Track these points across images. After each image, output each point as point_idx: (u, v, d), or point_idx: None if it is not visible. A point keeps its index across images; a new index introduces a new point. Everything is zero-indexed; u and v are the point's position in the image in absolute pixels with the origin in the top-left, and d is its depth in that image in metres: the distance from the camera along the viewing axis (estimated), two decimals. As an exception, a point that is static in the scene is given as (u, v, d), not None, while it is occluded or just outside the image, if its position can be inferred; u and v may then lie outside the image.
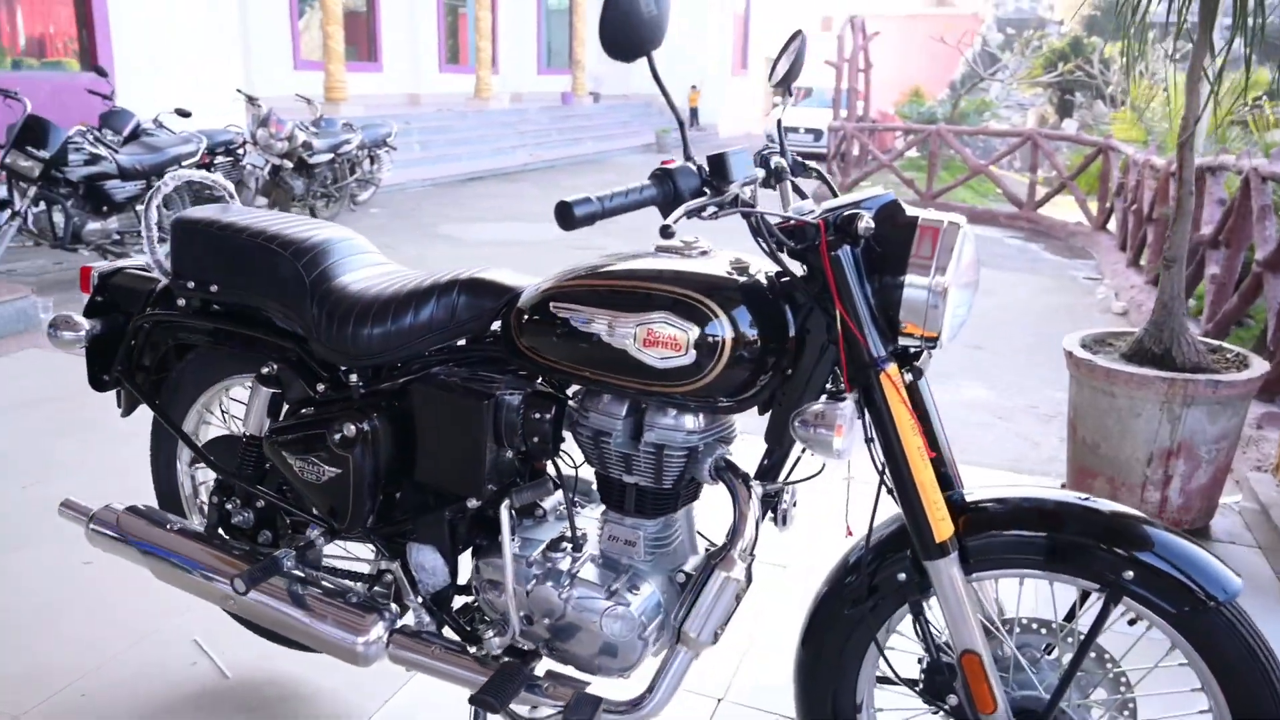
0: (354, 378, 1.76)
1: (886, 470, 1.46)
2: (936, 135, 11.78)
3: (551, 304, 1.57)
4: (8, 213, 5.16)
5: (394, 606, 1.82)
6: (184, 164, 6.17)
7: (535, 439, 1.66)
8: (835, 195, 1.63)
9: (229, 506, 1.96)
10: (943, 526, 1.45)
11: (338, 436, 1.69)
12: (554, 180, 13.26)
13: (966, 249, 1.43)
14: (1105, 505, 1.48)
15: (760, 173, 1.42)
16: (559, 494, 1.87)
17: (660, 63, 1.35)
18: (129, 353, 2.02)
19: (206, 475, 2.18)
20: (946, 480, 1.59)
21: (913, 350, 1.50)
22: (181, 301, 1.94)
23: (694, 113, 20.85)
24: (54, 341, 1.96)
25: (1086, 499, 1.50)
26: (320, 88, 12.62)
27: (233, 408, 2.11)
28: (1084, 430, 3.04)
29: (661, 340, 1.47)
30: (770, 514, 1.71)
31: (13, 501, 2.94)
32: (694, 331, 1.45)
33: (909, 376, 1.48)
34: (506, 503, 1.67)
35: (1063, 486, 3.25)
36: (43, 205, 5.37)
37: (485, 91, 16.37)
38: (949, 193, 11.70)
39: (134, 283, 2.03)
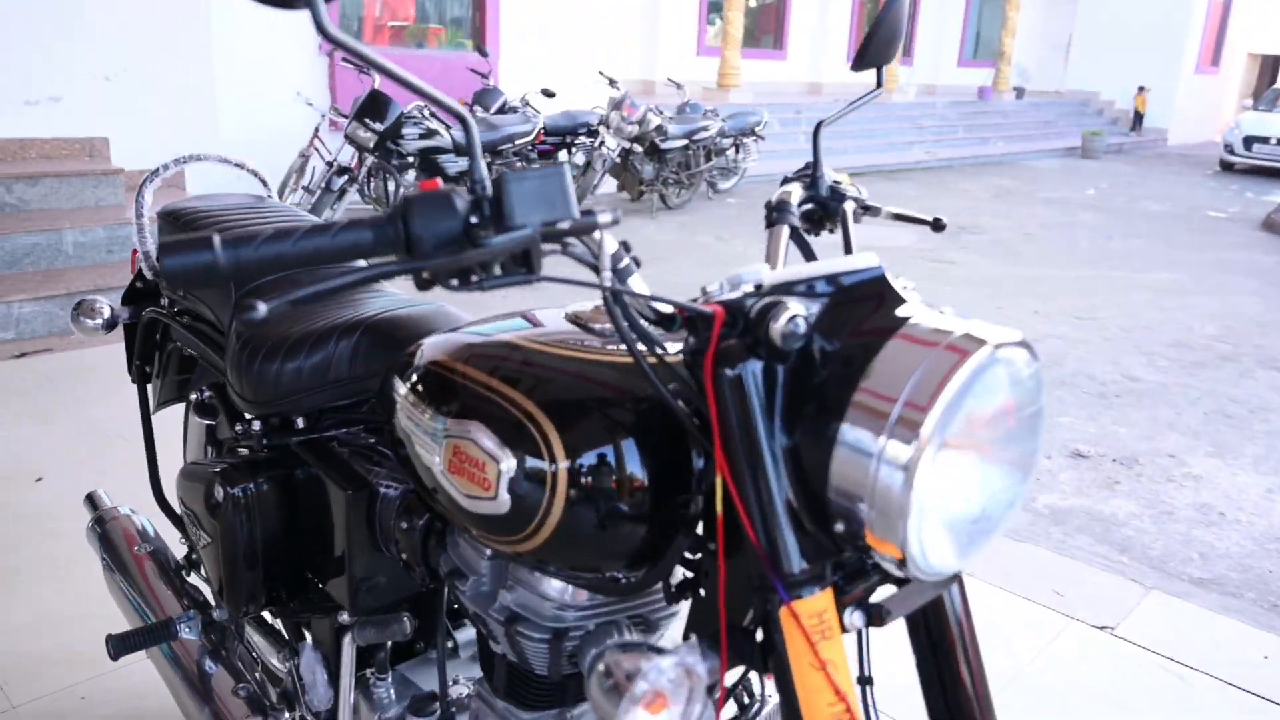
0: (256, 425, 1.41)
1: None
2: None
3: (395, 378, 1.08)
4: (345, 177, 5.58)
5: (286, 716, 1.45)
6: (518, 143, 6.31)
7: (404, 554, 1.19)
8: (850, 252, 0.96)
9: (183, 542, 1.72)
10: None
11: (208, 499, 1.35)
12: (942, 181, 12.15)
13: (994, 390, 0.73)
14: None
15: (606, 217, 0.80)
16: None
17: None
18: (143, 348, 1.84)
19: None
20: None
21: (877, 570, 0.81)
22: (164, 301, 1.71)
23: (1138, 117, 18.17)
24: (75, 327, 1.83)
25: None
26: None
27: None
28: None
29: (467, 469, 0.93)
30: None
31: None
32: (508, 463, 0.89)
33: (856, 620, 0.79)
34: (349, 636, 1.22)
35: None
36: (382, 175, 5.75)
37: (890, 83, 15.47)
38: None
39: (169, 271, 1.85)
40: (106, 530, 1.81)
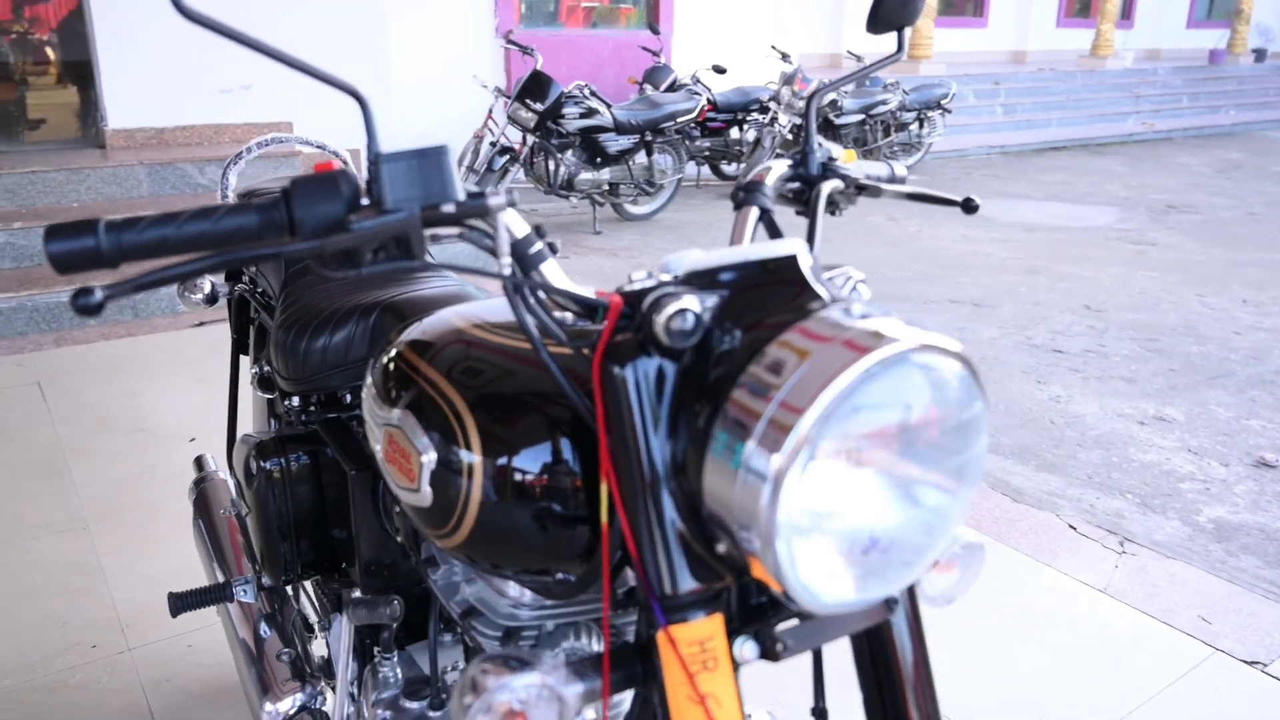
0: (295, 401, 1.44)
1: None
2: None
3: (370, 362, 1.07)
4: (508, 156, 5.73)
5: (323, 684, 1.49)
6: (679, 121, 6.26)
7: (400, 536, 1.18)
8: (813, 236, 0.86)
9: (256, 507, 1.79)
10: None
11: (245, 470, 1.40)
12: (1157, 155, 11.13)
13: (903, 395, 0.64)
14: None
15: (498, 200, 0.74)
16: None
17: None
18: (237, 321, 1.93)
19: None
20: None
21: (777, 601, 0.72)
22: (245, 279, 1.79)
23: None
24: (180, 300, 1.95)
25: None
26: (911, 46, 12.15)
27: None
28: None
29: (397, 458, 0.90)
30: None
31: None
32: (429, 455, 0.85)
33: (748, 652, 0.70)
34: (345, 615, 1.23)
35: None
36: (544, 155, 5.86)
37: (1104, 49, 14.29)
38: None
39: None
40: (202, 491, 1.92)
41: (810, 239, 0.86)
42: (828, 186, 0.92)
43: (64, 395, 3.42)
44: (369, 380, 1.00)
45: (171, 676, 2.01)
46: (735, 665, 0.69)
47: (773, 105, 7.62)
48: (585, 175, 6.02)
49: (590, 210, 6.52)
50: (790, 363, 0.63)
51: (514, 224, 0.76)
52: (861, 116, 7.99)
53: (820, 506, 0.62)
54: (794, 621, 0.74)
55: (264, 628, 1.58)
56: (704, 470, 0.65)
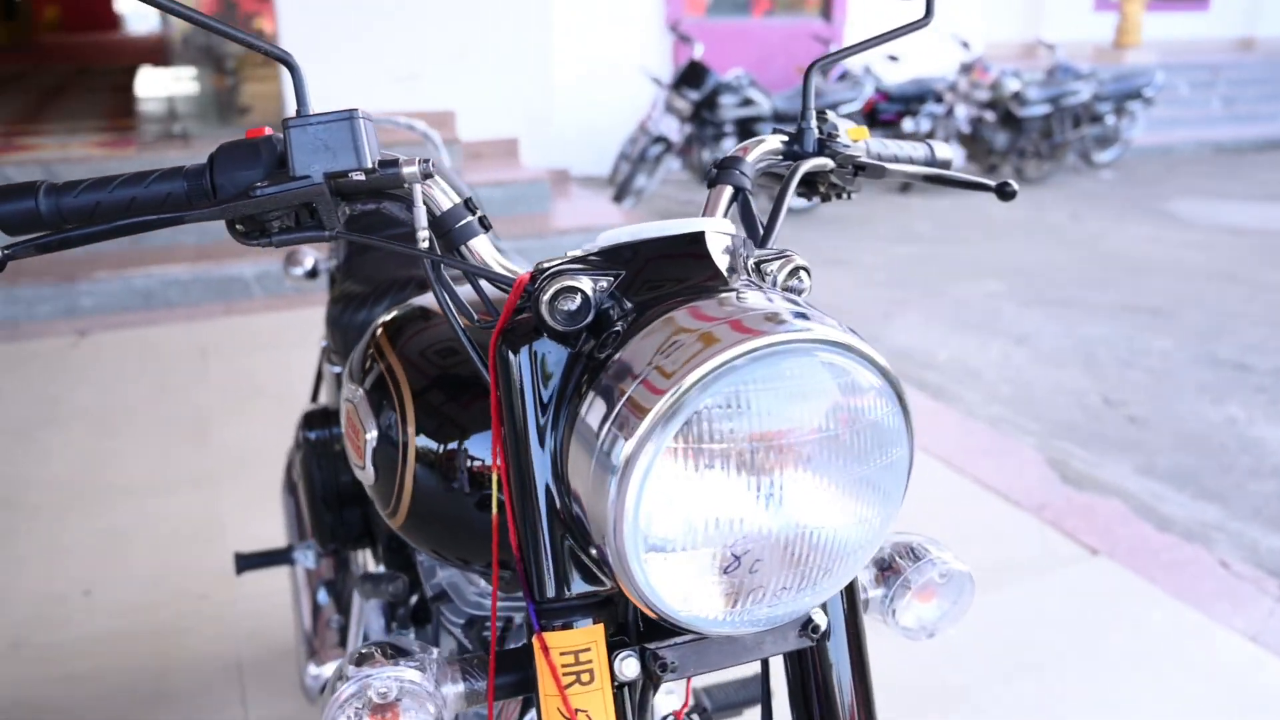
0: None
1: None
2: None
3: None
4: (661, 147, 5.72)
5: (365, 651, 1.52)
6: (842, 110, 6.05)
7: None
8: (775, 219, 0.78)
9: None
10: None
11: (296, 440, 1.44)
12: (1405, 154, 9.85)
13: (797, 389, 0.57)
14: None
15: (412, 169, 0.69)
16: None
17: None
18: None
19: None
20: None
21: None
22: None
23: None
24: (286, 276, 2.03)
25: None
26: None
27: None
28: None
29: (350, 434, 0.89)
30: None
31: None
32: (372, 433, 0.83)
33: (627, 670, 0.63)
34: (356, 589, 1.23)
35: None
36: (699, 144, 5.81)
37: (1349, 34, 12.81)
38: None
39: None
40: (294, 458, 2.00)
41: (772, 219, 0.78)
42: (807, 165, 0.83)
43: (223, 360, 3.68)
44: (350, 358, 1.00)
45: (265, 631, 2.10)
46: (618, 682, 0.63)
47: (949, 96, 7.27)
48: (743, 165, 5.91)
49: (748, 201, 6.41)
50: (668, 342, 0.56)
51: (438, 196, 0.72)
52: (1048, 108, 7.47)
53: (689, 505, 0.55)
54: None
55: (322, 593, 1.62)
56: (568, 461, 0.59)
